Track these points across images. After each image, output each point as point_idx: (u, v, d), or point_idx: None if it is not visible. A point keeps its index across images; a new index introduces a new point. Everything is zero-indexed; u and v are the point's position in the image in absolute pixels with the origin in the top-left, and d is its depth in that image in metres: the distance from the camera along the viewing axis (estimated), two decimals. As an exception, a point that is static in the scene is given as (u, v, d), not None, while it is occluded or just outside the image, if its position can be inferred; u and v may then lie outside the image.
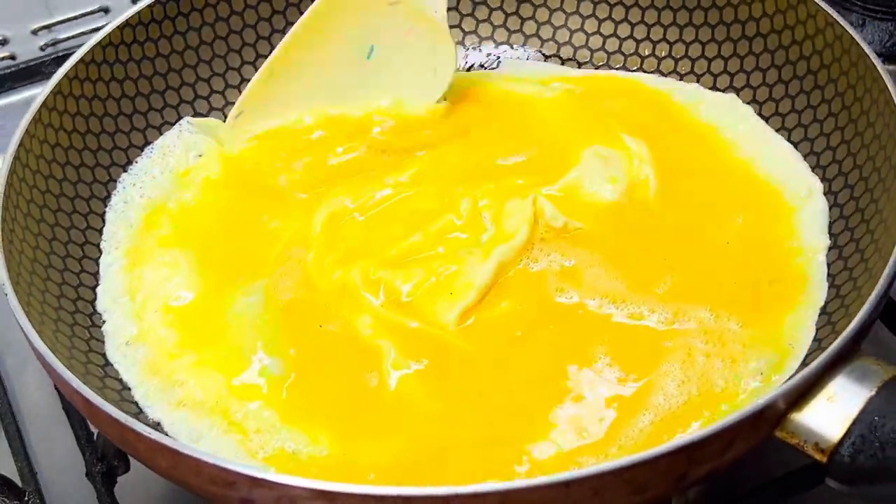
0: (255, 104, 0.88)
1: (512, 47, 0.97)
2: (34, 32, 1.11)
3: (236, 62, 0.93)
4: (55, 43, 1.10)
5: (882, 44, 0.97)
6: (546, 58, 0.96)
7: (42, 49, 1.10)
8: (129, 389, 0.74)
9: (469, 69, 0.96)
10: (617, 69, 0.93)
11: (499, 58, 0.96)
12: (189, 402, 0.72)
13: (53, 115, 0.82)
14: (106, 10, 1.07)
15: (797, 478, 0.70)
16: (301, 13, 0.92)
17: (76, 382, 0.64)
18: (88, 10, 1.11)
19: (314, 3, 0.86)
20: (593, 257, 0.77)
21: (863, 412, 0.59)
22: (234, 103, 0.90)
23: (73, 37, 0.85)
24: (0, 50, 1.09)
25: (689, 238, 0.79)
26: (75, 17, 1.11)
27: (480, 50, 0.97)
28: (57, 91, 0.82)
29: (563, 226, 0.79)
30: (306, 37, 0.87)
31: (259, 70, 0.87)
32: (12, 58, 1.10)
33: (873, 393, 0.60)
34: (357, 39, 0.88)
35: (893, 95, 0.74)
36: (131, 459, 0.74)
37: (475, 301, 0.75)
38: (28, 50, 1.10)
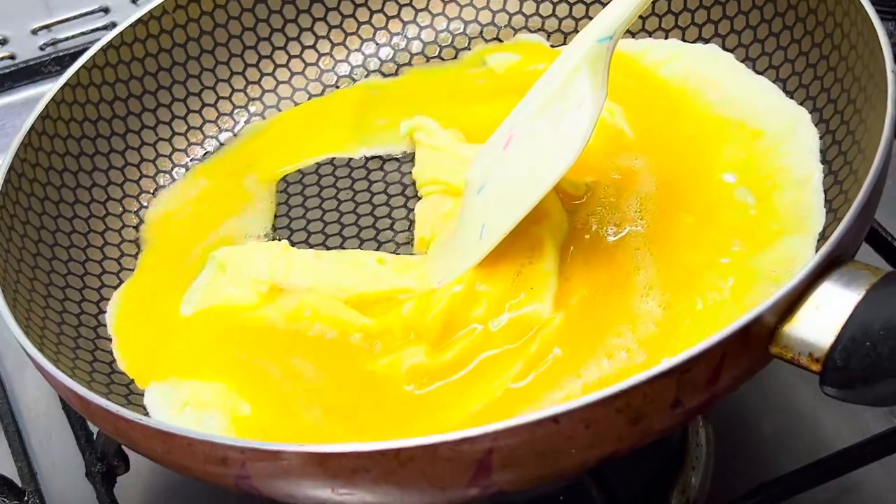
0: None
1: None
2: (34, 32, 1.13)
3: (225, 73, 0.94)
4: (55, 43, 1.12)
5: None
6: (515, 31, 0.96)
7: (42, 49, 1.12)
8: (138, 394, 0.74)
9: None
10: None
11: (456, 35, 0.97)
12: (194, 401, 0.72)
13: (44, 139, 0.83)
14: (106, 10, 1.09)
15: (796, 478, 0.69)
16: (283, 16, 0.93)
17: (66, 378, 0.65)
18: (88, 9, 1.14)
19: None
20: (622, 210, 0.77)
21: (853, 315, 0.58)
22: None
23: (72, 37, 0.86)
24: (0, 49, 1.10)
25: (681, 184, 0.78)
26: (75, 17, 1.13)
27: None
28: (45, 115, 0.83)
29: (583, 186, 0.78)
30: None
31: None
32: (12, 57, 1.12)
33: (862, 296, 0.58)
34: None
35: (865, 7, 0.73)
36: (131, 459, 0.74)
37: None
38: (28, 49, 1.12)
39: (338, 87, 0.96)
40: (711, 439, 0.76)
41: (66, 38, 1.11)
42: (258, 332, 0.74)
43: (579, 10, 0.94)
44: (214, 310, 0.77)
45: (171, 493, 0.77)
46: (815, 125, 0.78)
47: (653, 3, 0.88)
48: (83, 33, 1.10)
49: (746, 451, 0.76)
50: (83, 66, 0.87)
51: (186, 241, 0.85)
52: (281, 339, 0.74)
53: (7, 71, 1.08)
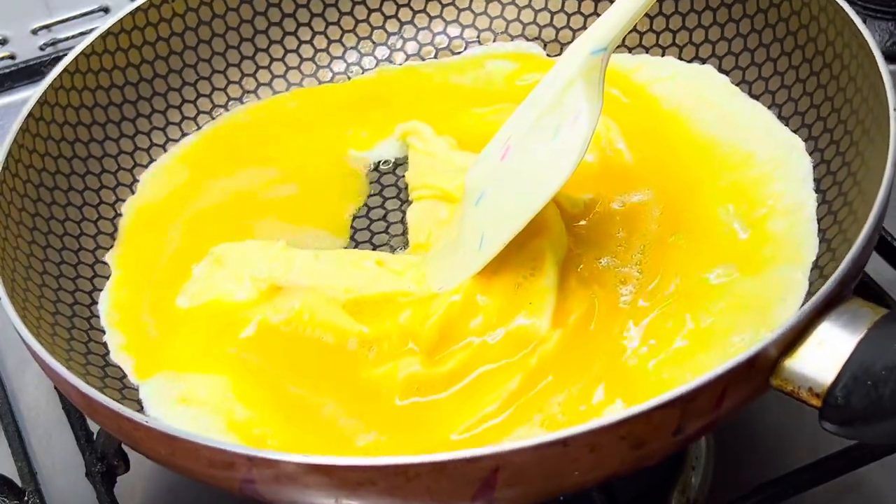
0: None
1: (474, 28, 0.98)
2: (34, 32, 1.13)
3: (221, 65, 0.94)
4: (55, 43, 1.12)
5: (882, 43, 0.97)
6: (512, 38, 0.97)
7: (42, 49, 1.12)
8: (133, 388, 0.74)
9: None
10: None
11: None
12: (190, 398, 0.73)
13: (41, 125, 0.83)
14: (106, 10, 1.09)
15: (796, 478, 0.70)
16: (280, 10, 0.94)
17: (72, 377, 0.65)
18: (88, 9, 1.14)
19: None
20: (617, 230, 0.78)
21: (854, 353, 0.59)
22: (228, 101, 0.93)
23: (72, 37, 0.86)
24: (0, 49, 1.10)
25: (674, 206, 0.79)
26: (75, 17, 1.13)
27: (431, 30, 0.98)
28: (43, 101, 0.83)
29: (581, 203, 0.80)
30: None
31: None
32: (12, 57, 1.12)
33: (864, 334, 0.60)
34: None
35: (869, 42, 0.75)
36: (131, 459, 0.74)
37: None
38: (28, 50, 1.13)
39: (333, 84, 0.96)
40: (711, 440, 0.76)
41: (66, 38, 1.11)
42: (256, 332, 0.75)
43: (577, 20, 0.95)
44: (212, 304, 0.77)
45: (172, 493, 0.77)
46: (810, 153, 0.79)
47: (650, 19, 0.90)
48: (83, 33, 1.10)
49: (746, 451, 0.76)
50: (81, 53, 0.86)
51: (177, 232, 0.85)
52: (278, 341, 0.74)
53: (7, 71, 1.08)
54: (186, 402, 0.72)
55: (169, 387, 0.73)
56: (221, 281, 0.78)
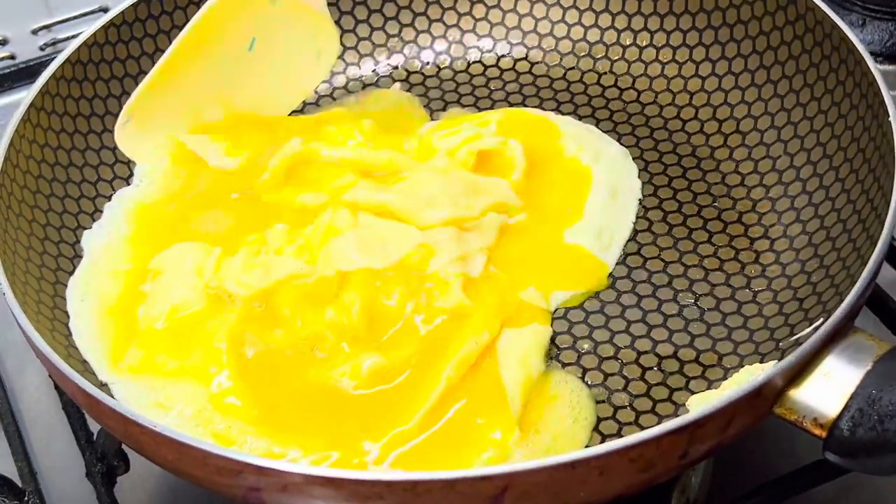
0: (143, 110, 0.86)
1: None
2: (34, 32, 1.12)
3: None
4: (55, 43, 1.12)
5: (882, 44, 0.98)
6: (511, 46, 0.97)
7: (42, 49, 1.12)
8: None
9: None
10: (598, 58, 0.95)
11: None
12: (169, 405, 0.72)
13: (42, 116, 0.82)
14: (105, 10, 1.08)
15: (796, 478, 0.71)
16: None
17: (80, 379, 0.64)
18: (88, 9, 1.13)
19: (200, 9, 0.86)
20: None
21: (860, 387, 0.60)
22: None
23: (72, 37, 0.86)
24: (0, 50, 1.09)
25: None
26: (75, 17, 1.12)
27: (442, 41, 0.98)
28: (45, 91, 0.82)
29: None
30: (193, 40, 0.86)
31: (147, 75, 0.86)
32: (12, 58, 1.11)
33: (869, 368, 0.61)
34: (241, 39, 0.89)
35: (879, 82, 0.76)
36: (131, 459, 0.74)
37: None
38: (28, 50, 1.12)
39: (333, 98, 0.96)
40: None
41: (66, 38, 1.10)
42: (216, 343, 0.74)
43: (577, 31, 0.95)
44: (170, 312, 0.76)
45: (172, 494, 0.77)
46: (814, 190, 0.80)
47: (651, 34, 0.91)
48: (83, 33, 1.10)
49: (746, 451, 0.77)
50: (83, 44, 0.86)
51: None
52: (240, 347, 0.74)
53: (7, 71, 1.08)
54: (164, 408, 0.72)
55: (143, 391, 0.73)
56: (165, 289, 0.78)
